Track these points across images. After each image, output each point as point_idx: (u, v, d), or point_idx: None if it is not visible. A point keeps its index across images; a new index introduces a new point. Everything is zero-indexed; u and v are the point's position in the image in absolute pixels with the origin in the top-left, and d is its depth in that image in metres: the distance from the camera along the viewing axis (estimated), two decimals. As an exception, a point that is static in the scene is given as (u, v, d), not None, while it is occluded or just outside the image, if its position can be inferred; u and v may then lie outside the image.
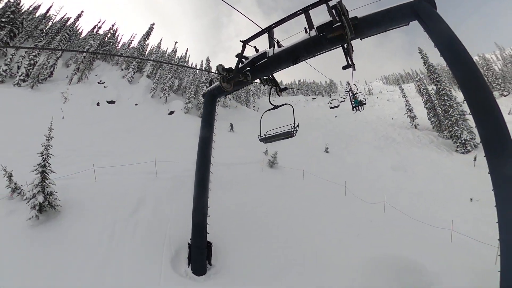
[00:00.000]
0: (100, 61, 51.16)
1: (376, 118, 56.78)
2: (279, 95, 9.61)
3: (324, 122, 51.76)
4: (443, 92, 34.70)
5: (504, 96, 62.03)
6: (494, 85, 63.89)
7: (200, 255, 10.00)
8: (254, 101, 66.39)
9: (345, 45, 6.95)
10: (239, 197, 14.67)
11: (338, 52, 7.52)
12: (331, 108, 20.20)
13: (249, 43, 7.99)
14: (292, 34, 7.74)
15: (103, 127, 27.18)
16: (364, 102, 18.18)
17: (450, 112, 33.41)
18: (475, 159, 27.16)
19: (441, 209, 17.44)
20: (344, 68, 7.60)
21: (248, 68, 8.12)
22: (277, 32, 7.66)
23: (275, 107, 8.19)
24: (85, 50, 50.23)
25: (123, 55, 55.03)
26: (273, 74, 8.94)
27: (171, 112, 39.87)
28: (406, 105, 46.50)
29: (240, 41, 7.54)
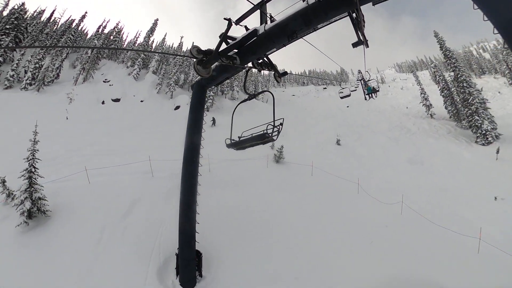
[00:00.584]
0: (106, 59, 50.56)
1: (389, 107, 54.32)
2: (278, 81, 8.10)
3: (336, 112, 49.66)
4: (462, 78, 32.13)
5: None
6: None
7: (187, 267, 8.73)
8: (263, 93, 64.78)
9: (354, 14, 5.30)
10: (239, 197, 13.27)
11: (349, 37, 5.84)
12: (342, 97, 18.62)
13: (240, 23, 6.45)
14: (288, 6, 6.05)
15: (106, 126, 26.49)
16: (378, 89, 17.50)
17: (469, 101, 30.94)
18: (497, 152, 24.99)
19: (464, 208, 15.70)
20: (355, 45, 5.89)
21: (236, 51, 6.57)
22: (272, 9, 6.09)
23: (250, 96, 7.13)
24: (88, 48, 49.79)
25: (120, 48, 54.13)
26: (269, 57, 7.39)
27: (177, 107, 38.82)
28: (421, 93, 43.91)
29: (225, 18, 5.90)
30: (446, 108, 40.75)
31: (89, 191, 12.68)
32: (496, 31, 3.65)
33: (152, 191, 13.62)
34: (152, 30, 54.75)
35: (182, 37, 51.48)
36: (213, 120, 31.76)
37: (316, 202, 13.52)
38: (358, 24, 5.38)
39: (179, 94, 42.56)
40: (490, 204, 16.56)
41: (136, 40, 62.25)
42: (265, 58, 7.28)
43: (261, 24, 6.34)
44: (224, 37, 6.05)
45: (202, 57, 5.60)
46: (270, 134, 5.56)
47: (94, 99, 34.12)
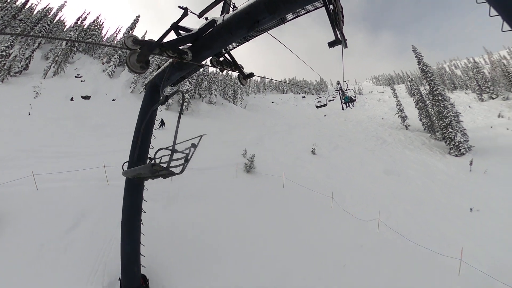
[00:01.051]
0: (82, 53, 47.67)
1: (366, 117, 54.49)
2: (243, 84, 6.70)
3: (313, 121, 49.14)
4: (437, 92, 32.23)
5: (493, 98, 60.70)
6: (483, 87, 62.61)
7: (131, 297, 7.18)
8: (241, 98, 63.46)
9: (331, 6, 4.06)
10: (202, 212, 11.70)
11: (330, 50, 4.55)
12: (318, 107, 18.04)
13: (204, 16, 5.17)
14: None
15: (70, 125, 24.05)
16: (355, 98, 17.87)
17: (444, 114, 30.99)
18: (471, 163, 24.95)
19: (441, 221, 14.96)
20: (332, 44, 4.57)
21: (189, 45, 5.21)
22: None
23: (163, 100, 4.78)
24: (61, 40, 46.73)
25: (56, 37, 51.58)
26: (233, 56, 6.06)
27: None
28: (397, 105, 44.12)
29: (180, 7, 4.52)
30: (420, 120, 41.13)
31: (34, 200, 10.93)
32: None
33: (105, 202, 11.85)
34: (132, 27, 52.10)
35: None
36: (162, 122, 28.35)
37: (286, 218, 12.08)
38: (335, 19, 4.14)
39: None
40: (466, 215, 16.19)
41: (116, 36, 58.98)
42: (227, 56, 5.95)
43: (221, 14, 5.06)
44: (174, 26, 4.73)
45: (138, 48, 4.25)
46: (163, 167, 3.66)
47: (63, 95, 31.36)
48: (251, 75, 6.62)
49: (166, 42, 4.68)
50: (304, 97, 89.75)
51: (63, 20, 55.12)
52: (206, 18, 5.12)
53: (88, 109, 30.45)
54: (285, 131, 35.74)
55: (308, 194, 15.30)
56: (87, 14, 51.68)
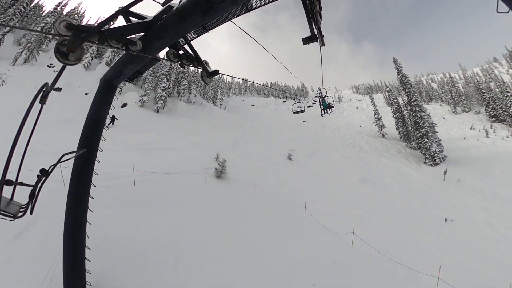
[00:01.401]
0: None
1: (344, 124, 54.47)
2: (206, 83, 5.53)
3: (292, 126, 48.43)
4: (415, 103, 32.26)
5: (466, 112, 62.55)
6: (457, 101, 64.47)
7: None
8: (221, 99, 61.97)
9: None
10: (163, 221, 10.23)
11: (313, 54, 3.35)
12: (294, 112, 16.96)
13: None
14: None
15: (34, 118, 21.77)
16: (333, 105, 17.81)
17: (420, 124, 31.00)
18: (445, 173, 24.99)
19: (417, 232, 14.49)
20: (307, 41, 3.62)
21: (142, 34, 4.07)
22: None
23: None
24: (36, 28, 43.58)
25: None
26: (195, 50, 4.91)
27: (124, 105, 34.65)
28: (375, 114, 44.20)
29: None
30: (397, 129, 41.32)
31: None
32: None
33: (60, 207, 10.25)
34: (112, 18, 49.49)
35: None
36: (112, 118, 24.17)
37: (254, 231, 10.81)
38: (311, 10, 3.11)
39: (130, 90, 38.40)
40: (442, 226, 15.86)
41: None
42: (187, 49, 4.80)
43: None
44: (123, 11, 3.65)
45: (69, 35, 3.11)
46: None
47: (32, 85, 28.50)
48: (216, 72, 5.49)
49: (109, 29, 3.59)
50: (284, 101, 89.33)
51: (42, 4, 51.73)
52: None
53: (57, 102, 28.15)
54: (263, 135, 34.69)
55: (281, 203, 14.17)
56: (68, 0, 48.78)
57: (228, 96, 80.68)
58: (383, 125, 43.04)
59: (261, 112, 65.26)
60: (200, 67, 5.12)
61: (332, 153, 29.32)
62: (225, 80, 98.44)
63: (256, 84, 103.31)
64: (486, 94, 55.09)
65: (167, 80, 39.49)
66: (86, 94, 34.33)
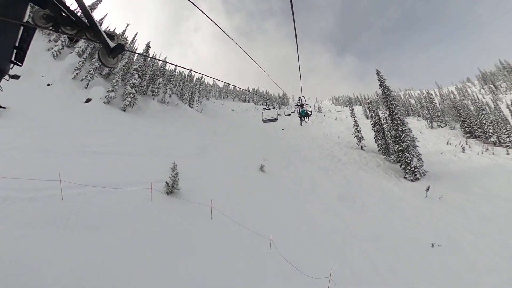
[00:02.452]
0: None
1: (322, 134, 52.46)
2: (106, 65, 2.41)
3: (270, 133, 45.89)
4: (397, 116, 30.29)
5: (442, 127, 62.61)
6: (434, 116, 64.54)
7: None
8: (199, 101, 58.50)
9: None
10: (90, 251, 7.04)
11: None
12: (264, 121, 14.37)
13: None
14: None
15: None
16: (310, 113, 17.50)
17: (402, 138, 29.00)
18: (427, 190, 22.92)
19: (401, 262, 12.31)
20: None
21: None
22: None
23: None
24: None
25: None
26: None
27: (88, 100, 30.68)
28: (354, 125, 42.23)
29: None
30: (376, 141, 39.50)
31: None
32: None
33: None
34: (93, 7, 45.14)
35: (128, 25, 43.17)
36: None
37: (206, 271, 7.86)
38: None
39: (98, 84, 34.42)
40: (428, 252, 13.86)
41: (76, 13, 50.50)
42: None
43: None
44: None
45: None
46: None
47: None
48: (120, 48, 2.58)
49: None
50: (265, 108, 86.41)
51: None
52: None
53: (10, 91, 23.99)
54: (238, 142, 31.72)
55: (242, 232, 11.09)
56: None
57: (207, 99, 77.39)
58: (362, 137, 41.13)
59: (240, 118, 62.44)
60: (96, 40, 2.33)
61: (308, 164, 26.69)
62: (206, 82, 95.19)
63: (237, 89, 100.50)
64: (462, 111, 55.16)
65: (139, 77, 35.86)
66: (48, 85, 30.32)
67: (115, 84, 33.03)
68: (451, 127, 61.14)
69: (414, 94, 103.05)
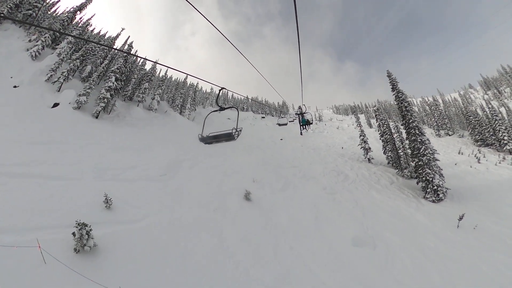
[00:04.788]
0: (12, 24, 35.32)
1: (325, 145, 46.79)
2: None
3: (267, 144, 40.27)
4: (414, 124, 24.50)
5: (449, 135, 57.14)
6: (440, 124, 59.28)
7: None
8: (192, 109, 53.08)
9: None
10: None
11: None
12: (279, 124, 16.86)
13: None
14: None
15: None
16: (311, 121, 17.07)
17: (421, 151, 23.25)
18: (460, 218, 17.24)
19: None
20: None
21: None
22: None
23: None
24: None
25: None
26: None
27: (55, 105, 25.43)
28: (360, 135, 36.56)
29: None
30: (385, 153, 33.87)
31: None
32: None
33: None
34: (81, 7, 39.84)
35: (122, 29, 38.24)
36: None
37: None
38: None
39: (73, 87, 29.23)
40: None
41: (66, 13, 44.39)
42: None
43: None
44: None
45: None
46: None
47: None
48: None
49: None
50: (263, 117, 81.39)
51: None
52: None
53: None
54: (226, 155, 26.07)
55: None
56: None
57: (203, 107, 72.23)
58: (370, 148, 35.46)
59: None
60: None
61: (310, 185, 20.91)
62: (203, 90, 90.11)
63: (236, 97, 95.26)
64: (471, 118, 49.70)
65: (117, 80, 30.59)
66: (15, 87, 25.22)
67: (89, 87, 27.79)
68: (459, 135, 55.66)
69: (416, 102, 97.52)
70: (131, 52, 39.57)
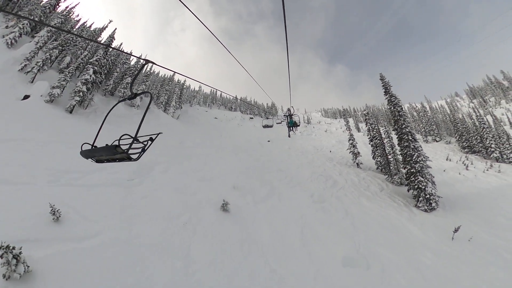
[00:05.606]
0: None
1: (313, 148, 45.34)
2: None
3: (253, 146, 38.47)
4: (407, 130, 23.20)
5: (437, 141, 56.87)
6: (428, 130, 59.00)
7: None
8: (177, 106, 50.73)
9: None
10: None
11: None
12: (263, 127, 17.08)
13: None
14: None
15: None
16: (298, 123, 16.62)
17: (414, 158, 21.92)
18: (456, 230, 15.97)
19: None
20: None
21: None
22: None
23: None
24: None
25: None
26: None
27: (26, 97, 22.99)
28: (349, 139, 35.22)
29: None
30: (374, 158, 32.62)
31: None
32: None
33: None
34: None
35: (110, 21, 35.41)
36: None
37: None
38: None
39: (46, 78, 26.73)
40: None
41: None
42: None
43: None
44: None
45: None
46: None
47: None
48: None
49: None
50: (252, 118, 79.68)
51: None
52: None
53: None
54: (208, 157, 24.09)
55: None
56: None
57: (190, 105, 69.86)
58: (358, 152, 34.14)
59: (223, 127, 54.81)
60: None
61: (297, 192, 19.18)
62: (191, 88, 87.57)
63: (224, 97, 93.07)
64: (459, 125, 49.39)
65: (95, 72, 28.20)
66: None
67: (64, 79, 25.41)
68: (446, 141, 55.36)
69: (404, 108, 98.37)
70: (113, 45, 37.19)
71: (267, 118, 20.89)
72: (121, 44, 43.29)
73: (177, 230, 9.86)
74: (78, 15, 43.78)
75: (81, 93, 25.39)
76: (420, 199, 20.89)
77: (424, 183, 20.92)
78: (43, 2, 35.65)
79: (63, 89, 25.69)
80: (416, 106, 79.41)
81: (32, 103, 22.26)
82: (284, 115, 18.59)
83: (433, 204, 20.46)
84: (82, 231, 8.67)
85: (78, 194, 10.66)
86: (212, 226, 10.74)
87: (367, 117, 33.94)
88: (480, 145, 44.47)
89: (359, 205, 19.16)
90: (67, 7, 39.33)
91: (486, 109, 76.78)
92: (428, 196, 20.59)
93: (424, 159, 21.99)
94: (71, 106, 24.49)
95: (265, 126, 18.03)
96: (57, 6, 37.00)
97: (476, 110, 51.70)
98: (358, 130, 74.01)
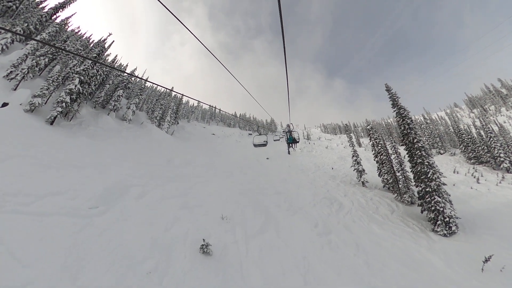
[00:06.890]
0: None
1: (314, 165, 42.63)
2: None
3: (251, 164, 35.84)
4: (419, 145, 20.69)
5: (441, 154, 54.27)
6: (431, 143, 56.62)
7: None
8: (172, 122, 48.50)
9: None
10: None
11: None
12: (255, 145, 15.16)
13: None
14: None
15: None
16: (298, 140, 15.99)
17: (429, 175, 19.24)
18: (486, 260, 13.16)
19: None
20: None
21: None
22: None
23: None
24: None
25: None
26: None
27: (4, 105, 21.13)
28: (353, 156, 32.62)
29: None
30: (380, 175, 29.94)
31: None
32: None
33: None
34: (63, 6, 35.71)
35: (110, 34, 34.12)
36: None
37: None
38: None
39: (30, 86, 24.88)
40: None
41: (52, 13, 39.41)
42: None
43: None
44: None
45: None
46: None
47: None
48: None
49: None
50: (250, 134, 77.67)
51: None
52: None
53: None
54: (197, 178, 21.34)
55: None
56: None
57: (188, 121, 67.86)
58: (363, 170, 31.46)
59: (220, 143, 52.34)
60: None
61: (298, 222, 16.20)
62: (190, 104, 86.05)
63: (223, 113, 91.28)
64: (464, 135, 46.99)
65: (82, 82, 26.15)
66: None
67: (47, 88, 23.47)
68: (451, 153, 52.84)
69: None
70: (110, 57, 35.50)
71: (259, 134, 16.31)
72: (116, 56, 41.90)
73: (137, 281, 7.11)
74: (79, 27, 42.80)
75: (64, 104, 23.31)
76: (438, 222, 18.07)
77: (442, 204, 18.18)
78: (45, 10, 34.67)
79: (48, 98, 23.84)
80: (418, 119, 77.56)
81: (8, 111, 20.10)
82: (284, 131, 17.85)
83: (453, 228, 17.71)
84: (6, 280, 5.98)
85: (21, 225, 8.01)
86: (185, 276, 7.96)
87: (370, 132, 31.47)
88: (488, 155, 42.02)
89: (371, 234, 16.29)
90: (66, 18, 38.10)
91: (486, 118, 74.61)
92: (447, 219, 17.81)
93: (439, 176, 19.31)
94: (52, 117, 22.39)
95: (257, 145, 15.78)
96: (55, 16, 36.01)
97: (481, 120, 49.33)
98: (359, 145, 71.58)
